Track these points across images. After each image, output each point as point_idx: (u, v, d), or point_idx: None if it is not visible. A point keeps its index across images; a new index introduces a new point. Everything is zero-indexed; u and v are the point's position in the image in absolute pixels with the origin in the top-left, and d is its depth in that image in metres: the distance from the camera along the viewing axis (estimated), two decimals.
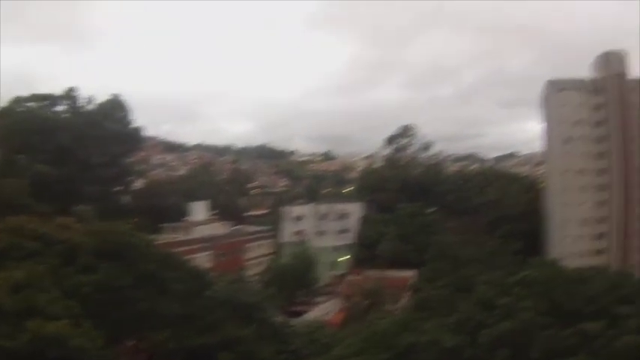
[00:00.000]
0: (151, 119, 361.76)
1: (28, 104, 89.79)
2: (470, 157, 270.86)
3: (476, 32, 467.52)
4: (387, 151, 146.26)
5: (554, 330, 41.10)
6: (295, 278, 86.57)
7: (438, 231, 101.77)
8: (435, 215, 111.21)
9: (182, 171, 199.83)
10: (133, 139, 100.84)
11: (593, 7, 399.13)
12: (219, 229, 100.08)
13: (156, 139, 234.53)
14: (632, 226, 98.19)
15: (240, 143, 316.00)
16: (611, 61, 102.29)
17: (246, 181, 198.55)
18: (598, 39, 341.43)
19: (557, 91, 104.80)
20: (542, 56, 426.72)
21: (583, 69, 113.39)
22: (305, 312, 73.97)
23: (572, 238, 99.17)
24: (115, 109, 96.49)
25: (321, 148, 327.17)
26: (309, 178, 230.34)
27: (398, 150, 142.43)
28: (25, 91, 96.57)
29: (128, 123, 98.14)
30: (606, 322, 40.32)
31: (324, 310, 74.67)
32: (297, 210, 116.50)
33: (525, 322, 42.08)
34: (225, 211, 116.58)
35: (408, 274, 79.38)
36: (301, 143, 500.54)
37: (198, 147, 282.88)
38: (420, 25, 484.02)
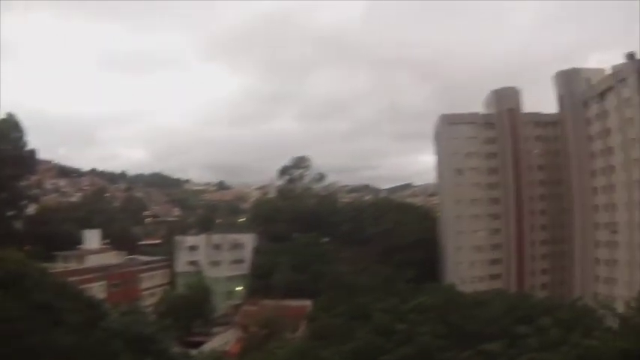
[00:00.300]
0: (46, 142, 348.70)
1: None
2: (364, 188, 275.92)
3: (372, 67, 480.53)
4: (281, 181, 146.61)
5: (455, 352, 41.78)
6: (191, 308, 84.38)
7: (332, 260, 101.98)
8: (329, 245, 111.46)
9: (75, 197, 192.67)
10: (26, 161, 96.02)
11: (486, 45, 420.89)
12: (112, 258, 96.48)
13: (50, 162, 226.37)
14: (525, 251, 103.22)
15: (134, 170, 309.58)
16: (504, 97, 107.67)
17: (140, 209, 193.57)
18: (491, 76, 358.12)
19: (449, 125, 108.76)
20: (437, 92, 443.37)
21: (476, 104, 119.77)
22: (203, 342, 72.11)
23: (467, 264, 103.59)
24: (9, 129, 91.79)
25: (215, 178, 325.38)
26: (202, 208, 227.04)
27: (292, 181, 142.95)
28: None
29: (23, 145, 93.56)
30: (507, 341, 41.35)
31: (222, 341, 73.17)
32: (191, 240, 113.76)
33: (425, 345, 42.57)
34: (118, 239, 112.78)
35: (304, 304, 78.87)
36: (196, 172, 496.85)
37: (93, 172, 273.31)
38: (317, 58, 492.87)
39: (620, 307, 48.26)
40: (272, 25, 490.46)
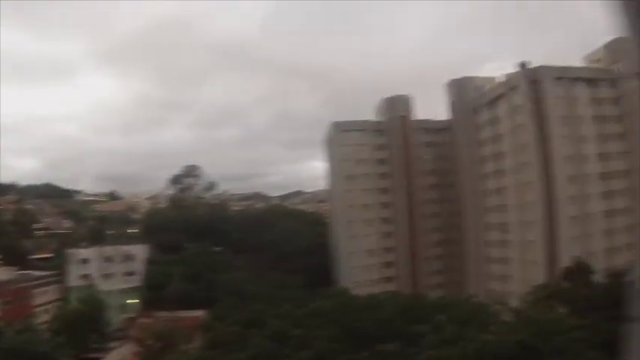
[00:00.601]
0: None
1: None
2: (255, 196, 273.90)
3: (266, 75, 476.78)
4: (172, 191, 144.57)
5: (351, 354, 42.36)
6: (86, 323, 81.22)
7: (225, 269, 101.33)
8: (222, 254, 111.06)
9: None
10: None
11: (380, 53, 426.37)
12: (3, 274, 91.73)
13: None
14: (419, 253, 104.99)
15: (24, 181, 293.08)
16: (396, 104, 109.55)
17: (31, 222, 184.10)
18: (384, 84, 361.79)
19: (341, 132, 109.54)
20: (329, 99, 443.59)
21: (368, 112, 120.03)
22: (99, 358, 69.96)
23: (360, 268, 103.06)
24: None
25: (107, 188, 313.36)
26: (94, 219, 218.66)
27: (183, 190, 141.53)
28: None
29: None
30: (403, 341, 42.13)
31: (118, 356, 71.08)
32: (82, 252, 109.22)
33: (321, 350, 43.05)
34: (8, 254, 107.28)
35: (199, 314, 77.89)
36: (87, 183, 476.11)
37: None
38: (211, 66, 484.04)
39: (515, 303, 50.53)
40: (165, 31, 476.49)
